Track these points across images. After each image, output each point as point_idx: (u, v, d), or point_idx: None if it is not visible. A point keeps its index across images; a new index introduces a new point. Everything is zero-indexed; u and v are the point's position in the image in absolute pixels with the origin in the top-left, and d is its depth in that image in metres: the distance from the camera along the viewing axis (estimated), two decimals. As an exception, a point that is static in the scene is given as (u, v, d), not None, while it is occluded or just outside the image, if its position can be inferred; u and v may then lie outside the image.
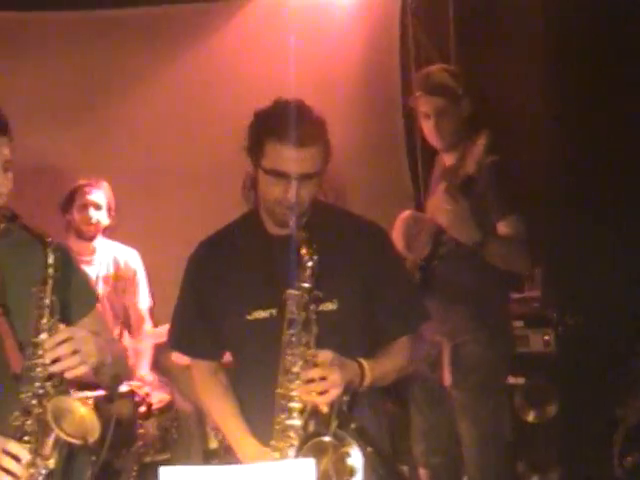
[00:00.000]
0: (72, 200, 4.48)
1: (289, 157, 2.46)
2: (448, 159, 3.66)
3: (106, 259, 4.58)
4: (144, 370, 4.46)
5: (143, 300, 4.65)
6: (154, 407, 4.17)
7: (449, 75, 3.67)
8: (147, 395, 4.15)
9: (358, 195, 4.96)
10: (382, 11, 5.23)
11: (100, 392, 3.27)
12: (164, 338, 4.06)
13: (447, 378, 3.63)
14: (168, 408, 4.31)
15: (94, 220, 4.45)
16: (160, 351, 4.53)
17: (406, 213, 3.81)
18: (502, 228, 3.46)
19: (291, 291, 2.40)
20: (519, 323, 4.25)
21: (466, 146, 3.50)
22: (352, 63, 5.22)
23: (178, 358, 4.04)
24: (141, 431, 4.05)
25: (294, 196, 2.48)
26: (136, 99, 5.12)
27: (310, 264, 2.38)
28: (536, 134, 4.61)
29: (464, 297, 3.59)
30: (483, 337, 3.56)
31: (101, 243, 4.58)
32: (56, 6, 4.93)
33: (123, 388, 3.95)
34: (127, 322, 4.54)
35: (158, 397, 4.28)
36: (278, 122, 2.49)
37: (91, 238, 4.50)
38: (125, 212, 4.69)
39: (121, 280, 4.59)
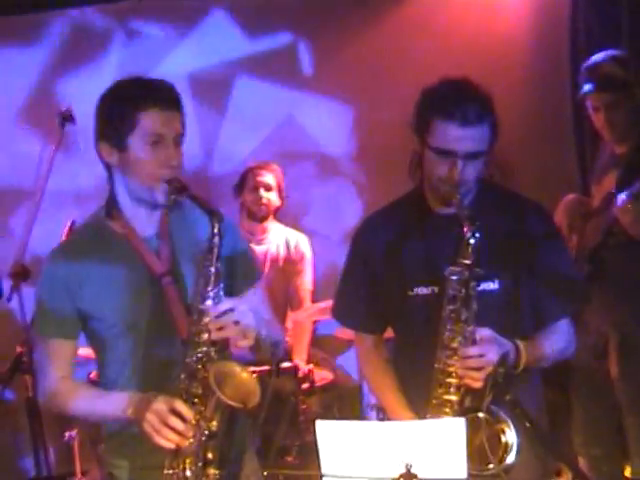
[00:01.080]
0: (244, 182, 4.63)
1: (455, 135, 2.47)
2: (619, 148, 3.59)
3: (277, 241, 4.69)
4: (304, 347, 4.54)
5: (307, 283, 4.73)
6: (317, 384, 4.25)
7: (619, 65, 3.58)
8: (310, 372, 4.23)
9: (523, 179, 4.92)
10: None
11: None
12: (324, 315, 4.22)
13: (614, 370, 3.57)
14: (331, 386, 4.39)
15: (264, 200, 4.57)
16: (323, 328, 4.61)
17: (571, 197, 3.77)
18: None
19: (453, 268, 2.42)
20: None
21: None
22: (522, 46, 5.16)
23: (341, 333, 4.16)
24: (303, 407, 4.13)
25: (459, 175, 2.48)
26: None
27: (472, 241, 2.39)
28: None
29: (633, 288, 3.52)
30: None
31: (273, 225, 4.70)
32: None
33: (286, 364, 4.07)
34: (290, 302, 4.65)
35: (321, 375, 4.37)
36: (445, 100, 2.50)
37: (262, 219, 4.62)
38: (295, 195, 4.83)
39: (289, 263, 4.69)
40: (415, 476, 1.69)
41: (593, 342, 3.66)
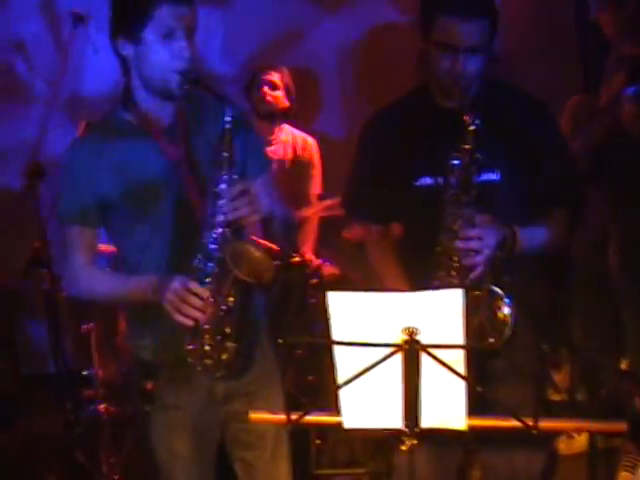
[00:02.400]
0: (251, 81, 4.70)
1: (457, 29, 2.56)
2: (628, 48, 3.63)
3: (285, 143, 4.77)
4: (311, 243, 4.66)
5: (315, 186, 4.83)
6: (325, 279, 4.38)
7: None
8: (318, 267, 4.37)
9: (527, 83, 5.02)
10: None
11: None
12: (330, 211, 4.34)
13: (613, 261, 3.67)
14: (339, 282, 4.50)
15: (268, 98, 4.65)
16: (330, 228, 4.73)
17: (576, 97, 3.84)
18: None
19: (454, 154, 2.54)
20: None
21: None
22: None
23: (349, 234, 4.27)
24: (312, 301, 4.25)
25: (461, 67, 2.58)
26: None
27: (472, 128, 2.50)
28: None
29: (634, 185, 3.60)
30: None
31: (282, 128, 4.78)
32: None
33: (295, 259, 4.21)
34: (297, 204, 4.73)
35: (329, 270, 4.49)
36: None
37: (269, 117, 4.69)
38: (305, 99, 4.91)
39: (296, 165, 4.78)
40: (418, 342, 1.82)
41: (593, 237, 3.76)
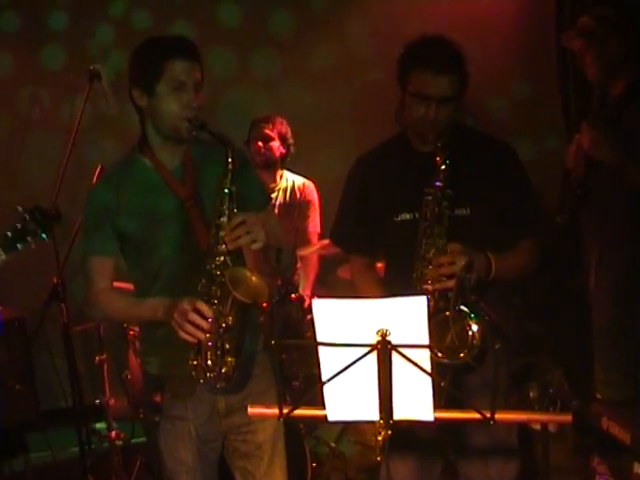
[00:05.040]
0: (249, 134, 5.04)
1: (430, 82, 2.89)
2: (613, 89, 3.99)
3: (285, 188, 5.08)
4: (310, 281, 4.96)
5: (314, 226, 5.11)
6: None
7: (596, 20, 4.00)
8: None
9: (511, 123, 5.52)
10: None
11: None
12: (328, 250, 4.63)
13: (591, 280, 4.00)
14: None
15: (262, 150, 4.97)
16: (327, 268, 5.03)
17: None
18: None
19: (427, 189, 2.86)
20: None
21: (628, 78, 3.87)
22: (508, 5, 5.71)
23: (344, 272, 4.58)
24: (309, 334, 4.47)
25: (434, 115, 2.90)
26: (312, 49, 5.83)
27: (443, 167, 2.83)
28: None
29: (616, 212, 3.98)
30: (625, 249, 3.97)
31: (282, 174, 5.10)
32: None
33: (294, 295, 4.52)
34: (297, 244, 4.97)
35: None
36: (421, 52, 2.93)
37: (266, 166, 5.00)
38: (303, 146, 5.23)
39: (296, 208, 5.07)
40: (389, 342, 2.12)
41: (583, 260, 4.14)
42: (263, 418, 2.86)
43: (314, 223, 5.11)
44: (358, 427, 4.75)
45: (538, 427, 4.20)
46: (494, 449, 3.07)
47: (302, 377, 4.51)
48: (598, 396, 4.14)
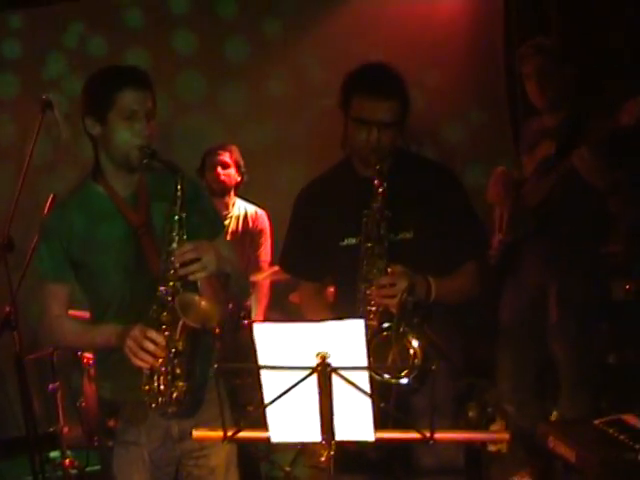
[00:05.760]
0: (204, 163, 5.13)
1: (370, 107, 2.96)
2: (551, 120, 4.07)
3: (237, 215, 5.16)
4: (262, 307, 5.02)
5: (265, 254, 5.18)
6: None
7: (549, 41, 4.14)
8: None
9: (462, 147, 5.62)
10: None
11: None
12: (279, 276, 4.68)
13: (552, 316, 4.05)
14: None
15: (222, 177, 5.07)
16: (279, 293, 5.08)
17: (501, 169, 4.30)
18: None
19: (367, 212, 2.92)
20: (602, 273, 4.57)
21: (573, 108, 3.95)
22: (459, 33, 5.80)
23: (295, 297, 4.63)
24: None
25: (375, 140, 2.96)
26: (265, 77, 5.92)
27: (381, 190, 2.89)
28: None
29: (572, 242, 4.03)
30: (583, 281, 4.02)
31: (234, 200, 5.18)
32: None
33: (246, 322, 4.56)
34: (249, 270, 5.06)
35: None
36: (363, 79, 3.01)
37: (222, 194, 5.10)
38: (256, 173, 5.32)
39: (249, 235, 5.15)
40: (329, 364, 2.17)
41: (529, 294, 4.16)
42: (216, 442, 2.88)
43: (266, 251, 5.19)
44: (312, 451, 4.77)
45: (493, 448, 4.33)
46: (441, 469, 3.13)
47: (257, 402, 4.50)
48: (552, 418, 4.24)
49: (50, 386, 4.51)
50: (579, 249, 4.03)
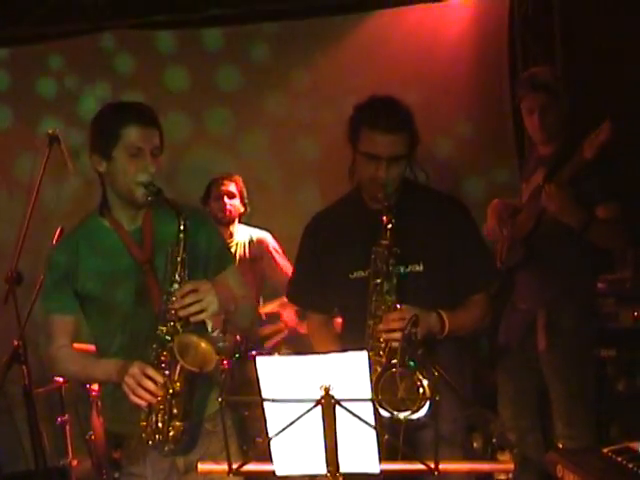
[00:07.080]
0: (209, 192, 5.15)
1: (379, 141, 2.96)
2: (544, 149, 4.08)
3: (242, 241, 5.17)
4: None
5: (277, 273, 5.12)
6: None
7: (551, 75, 4.13)
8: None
9: (471, 181, 5.59)
10: (492, 16, 5.78)
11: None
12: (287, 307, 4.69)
13: (541, 344, 4.02)
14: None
15: (228, 207, 5.09)
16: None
17: (495, 201, 4.30)
18: (602, 210, 3.85)
19: (375, 248, 2.91)
20: (610, 300, 4.57)
21: (565, 138, 3.95)
22: (465, 66, 5.80)
23: (303, 328, 4.61)
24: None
25: (384, 174, 2.96)
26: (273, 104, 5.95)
27: (389, 226, 2.88)
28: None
29: (561, 270, 4.00)
30: (573, 309, 3.98)
31: (238, 228, 5.19)
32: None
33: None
34: (262, 293, 5.10)
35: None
36: (371, 113, 3.00)
37: (228, 223, 5.11)
38: (260, 199, 5.36)
39: (255, 259, 5.15)
40: (332, 397, 2.17)
41: (521, 320, 4.12)
42: (222, 475, 2.88)
43: (278, 271, 5.13)
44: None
45: (503, 477, 4.30)
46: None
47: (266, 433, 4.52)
48: (559, 445, 4.20)
49: (59, 419, 4.51)
50: (567, 277, 4.01)
